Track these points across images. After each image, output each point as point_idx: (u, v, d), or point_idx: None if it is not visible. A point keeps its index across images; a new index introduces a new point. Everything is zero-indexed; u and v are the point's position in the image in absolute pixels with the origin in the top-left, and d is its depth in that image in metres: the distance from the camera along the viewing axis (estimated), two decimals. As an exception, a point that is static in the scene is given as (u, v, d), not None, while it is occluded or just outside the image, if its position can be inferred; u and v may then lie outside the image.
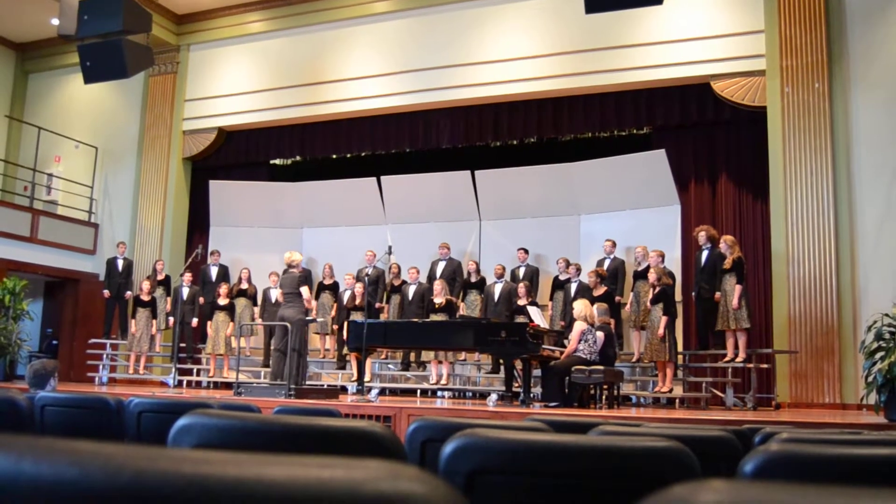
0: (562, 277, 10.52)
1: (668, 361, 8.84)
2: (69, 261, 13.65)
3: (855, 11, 9.82)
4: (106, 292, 12.49)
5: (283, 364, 8.63)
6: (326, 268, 11.80)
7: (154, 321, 11.86)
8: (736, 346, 8.90)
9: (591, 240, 11.20)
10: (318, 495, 0.57)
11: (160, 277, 12.31)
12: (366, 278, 10.89)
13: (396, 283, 11.33)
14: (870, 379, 6.91)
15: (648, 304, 9.16)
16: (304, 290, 8.82)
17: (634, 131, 11.50)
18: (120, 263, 12.62)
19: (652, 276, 8.99)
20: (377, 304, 11.23)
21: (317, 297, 11.55)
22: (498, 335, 8.05)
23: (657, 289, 8.90)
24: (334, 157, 13.34)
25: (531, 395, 8.24)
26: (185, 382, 11.60)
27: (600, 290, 9.64)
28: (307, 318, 9.07)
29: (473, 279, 11.05)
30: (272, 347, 9.62)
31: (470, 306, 10.91)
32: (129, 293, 12.50)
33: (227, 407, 3.43)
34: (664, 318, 8.75)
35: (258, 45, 13.40)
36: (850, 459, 1.56)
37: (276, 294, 11.56)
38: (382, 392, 10.38)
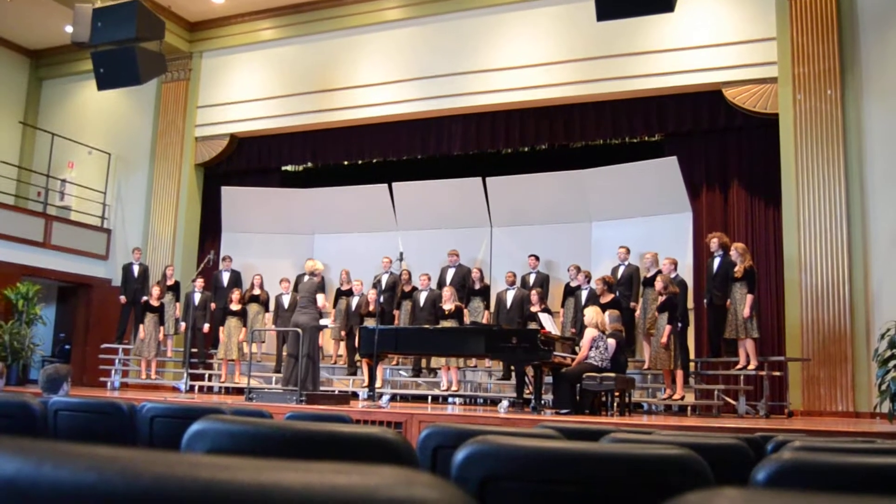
0: (573, 284, 10.49)
1: (673, 369, 8.80)
2: (82, 266, 13.72)
3: (867, 19, 9.77)
4: (122, 298, 12.49)
5: (295, 369, 8.64)
6: (343, 274, 11.81)
7: (162, 327, 11.89)
8: (747, 354, 8.85)
9: (603, 247, 11.17)
10: (334, 501, 0.57)
11: (170, 283, 12.34)
12: (380, 285, 10.89)
13: (407, 289, 11.33)
14: (883, 387, 6.87)
15: (656, 311, 9.12)
16: (320, 298, 8.84)
17: (646, 138, 11.47)
18: (135, 269, 12.64)
19: (658, 284, 8.94)
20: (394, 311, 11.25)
21: (335, 304, 11.60)
22: (509, 342, 8.03)
23: (663, 297, 8.86)
24: (346, 163, 13.38)
25: (542, 401, 8.21)
26: (196, 388, 11.63)
27: (607, 298, 9.58)
28: (321, 324, 9.09)
29: (477, 286, 11.05)
30: (285, 353, 9.63)
31: (473, 313, 10.89)
32: (144, 298, 12.54)
33: (240, 412, 3.43)
34: (668, 327, 8.71)
35: (270, 53, 13.46)
36: (862, 468, 1.56)
37: (287, 299, 11.60)
38: (393, 398, 10.37)
